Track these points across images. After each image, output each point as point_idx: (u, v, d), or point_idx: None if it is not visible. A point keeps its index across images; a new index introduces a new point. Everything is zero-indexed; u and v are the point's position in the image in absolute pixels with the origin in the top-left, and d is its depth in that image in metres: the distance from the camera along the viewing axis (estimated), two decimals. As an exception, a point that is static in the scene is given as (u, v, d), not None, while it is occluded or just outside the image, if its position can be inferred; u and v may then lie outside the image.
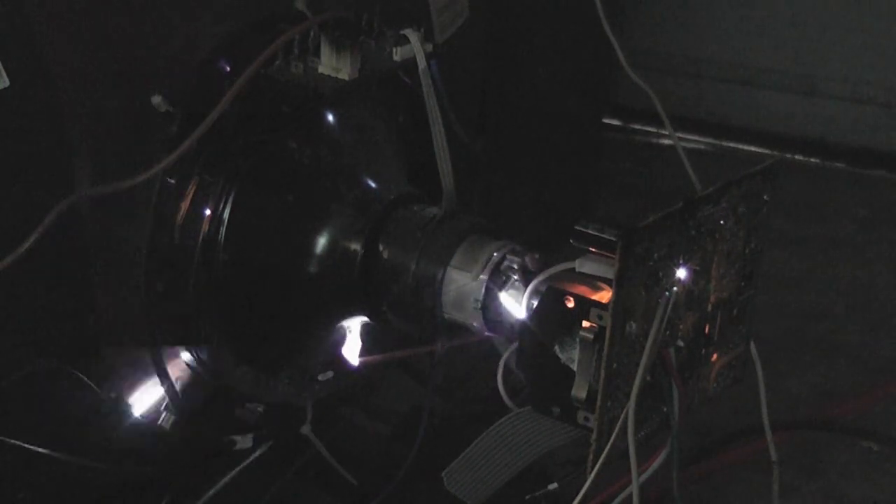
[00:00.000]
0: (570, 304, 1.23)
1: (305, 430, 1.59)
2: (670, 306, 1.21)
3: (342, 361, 1.53)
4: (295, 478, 1.65)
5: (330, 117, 1.50)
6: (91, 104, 1.37)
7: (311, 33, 1.44)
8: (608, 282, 1.20)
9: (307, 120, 1.46)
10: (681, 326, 1.25)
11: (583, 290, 1.23)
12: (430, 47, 1.49)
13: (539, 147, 2.26)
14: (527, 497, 1.58)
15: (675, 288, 1.22)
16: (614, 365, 1.20)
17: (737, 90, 2.78)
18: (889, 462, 1.86)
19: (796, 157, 2.72)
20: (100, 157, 1.37)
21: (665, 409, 1.24)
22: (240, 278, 1.43)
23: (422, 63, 1.49)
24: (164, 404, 1.47)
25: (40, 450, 1.37)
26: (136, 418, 1.44)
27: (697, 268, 1.24)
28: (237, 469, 1.55)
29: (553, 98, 2.28)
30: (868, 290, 2.30)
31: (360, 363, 1.54)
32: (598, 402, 1.20)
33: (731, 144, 2.76)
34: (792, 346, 2.12)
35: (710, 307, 1.28)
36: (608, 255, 1.22)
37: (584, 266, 1.25)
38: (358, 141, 1.51)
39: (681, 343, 1.25)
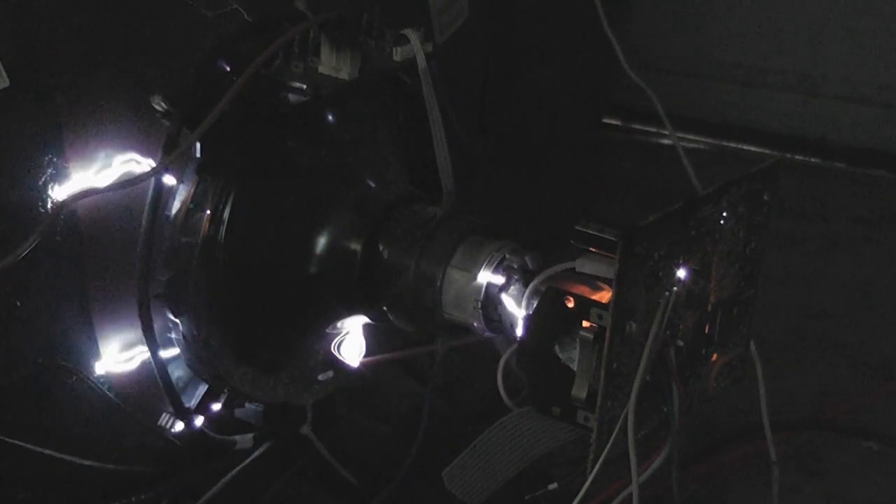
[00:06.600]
0: (570, 304, 1.23)
1: (305, 430, 1.59)
2: (670, 306, 1.21)
3: (342, 361, 1.53)
4: (295, 478, 1.65)
5: (330, 117, 1.50)
6: (90, 104, 1.37)
7: (311, 33, 1.44)
8: (608, 282, 1.20)
9: (307, 120, 1.46)
10: (681, 326, 1.25)
11: (583, 290, 1.23)
12: (430, 47, 1.49)
13: (539, 147, 2.26)
14: (527, 497, 1.58)
15: (675, 288, 1.22)
16: (614, 365, 1.20)
17: (737, 90, 2.78)
18: (889, 462, 1.86)
19: (796, 157, 2.72)
20: (99, 157, 1.37)
21: (665, 409, 1.24)
22: (240, 278, 1.43)
23: (422, 63, 1.49)
24: (165, 405, 1.47)
25: (40, 450, 1.37)
26: (136, 418, 1.44)
27: (697, 268, 1.24)
28: (237, 469, 1.55)
29: (553, 98, 2.28)
30: (868, 290, 2.29)
31: (361, 363, 1.54)
32: (598, 402, 1.20)
33: (731, 144, 2.76)
34: (792, 346, 2.12)
35: (710, 307, 1.28)
36: (608, 255, 1.22)
37: (584, 266, 1.25)
38: (358, 141, 1.51)
39: (681, 343, 1.25)
